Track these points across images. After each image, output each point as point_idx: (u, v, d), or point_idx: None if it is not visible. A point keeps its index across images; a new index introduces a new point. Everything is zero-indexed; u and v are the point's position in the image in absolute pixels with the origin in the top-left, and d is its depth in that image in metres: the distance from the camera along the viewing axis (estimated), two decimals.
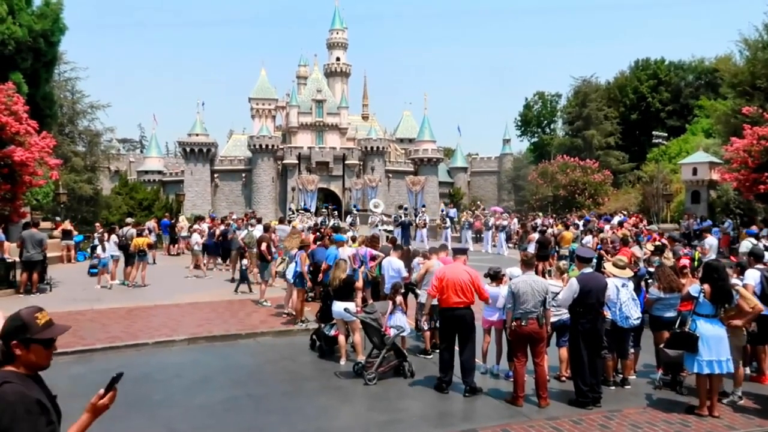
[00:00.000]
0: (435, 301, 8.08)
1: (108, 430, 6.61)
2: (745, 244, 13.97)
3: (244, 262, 15.03)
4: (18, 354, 2.63)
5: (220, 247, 19.46)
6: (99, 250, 16.43)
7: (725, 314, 7.03)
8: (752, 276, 7.91)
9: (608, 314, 7.62)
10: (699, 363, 6.76)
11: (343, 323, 9.10)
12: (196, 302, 13.60)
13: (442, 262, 9.41)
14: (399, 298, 9.01)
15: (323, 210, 35.75)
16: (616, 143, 57.30)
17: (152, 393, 7.77)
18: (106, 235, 17.05)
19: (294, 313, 12.06)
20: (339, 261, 9.73)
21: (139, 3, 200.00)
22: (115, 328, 11.00)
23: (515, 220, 28.54)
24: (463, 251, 8.67)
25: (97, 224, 22.64)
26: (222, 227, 19.87)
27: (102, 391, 2.76)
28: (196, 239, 18.53)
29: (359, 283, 9.59)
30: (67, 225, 22.12)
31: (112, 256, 16.42)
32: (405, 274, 10.68)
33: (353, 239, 14.85)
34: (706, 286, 6.91)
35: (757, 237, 15.34)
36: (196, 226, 19.64)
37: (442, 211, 33.09)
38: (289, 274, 12.01)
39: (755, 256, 8.26)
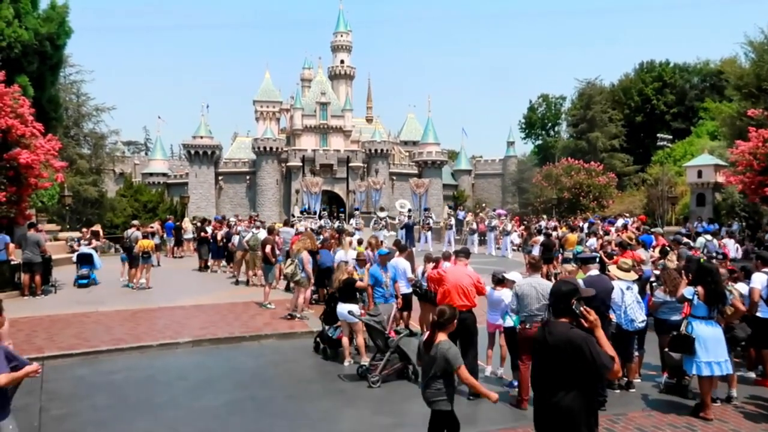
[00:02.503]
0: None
1: (112, 431, 6.65)
2: (700, 241, 15.58)
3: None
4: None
5: (224, 250, 19.54)
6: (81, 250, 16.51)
7: (723, 316, 7.06)
8: (759, 280, 7.87)
9: (613, 317, 7.59)
10: (698, 365, 6.75)
11: (348, 325, 9.10)
12: (200, 305, 13.62)
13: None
14: None
15: (325, 212, 35.84)
16: (620, 146, 57.18)
17: (156, 395, 7.78)
18: (94, 241, 17.22)
19: (300, 315, 12.07)
20: (340, 263, 9.75)
21: (144, 6, 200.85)
22: (120, 330, 11.02)
23: (511, 226, 28.03)
24: (467, 254, 8.67)
25: (85, 229, 22.83)
26: (225, 229, 19.94)
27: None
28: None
29: (361, 283, 9.59)
30: (97, 227, 22.66)
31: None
32: (411, 275, 10.69)
33: (359, 242, 14.88)
34: (699, 288, 6.93)
35: (714, 234, 17.46)
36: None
37: (448, 214, 33.04)
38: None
39: (762, 260, 8.22)
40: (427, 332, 5.29)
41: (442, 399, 4.92)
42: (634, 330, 7.71)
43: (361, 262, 10.80)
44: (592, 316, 3.79)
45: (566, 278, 4.06)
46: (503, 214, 31.83)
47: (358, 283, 9.45)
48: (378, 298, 9.35)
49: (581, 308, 3.82)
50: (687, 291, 7.15)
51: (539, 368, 3.92)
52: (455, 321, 5.13)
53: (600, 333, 3.80)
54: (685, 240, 15.68)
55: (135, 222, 19.55)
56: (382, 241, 14.85)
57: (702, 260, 8.79)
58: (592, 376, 3.71)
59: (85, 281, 16.14)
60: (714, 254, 13.34)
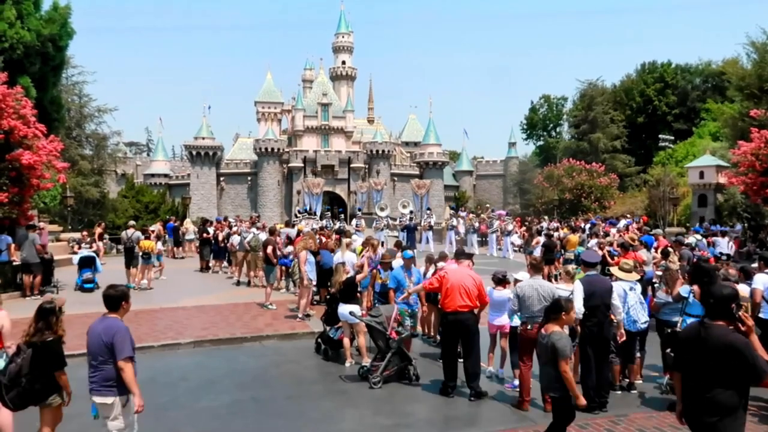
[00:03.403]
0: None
1: None
2: (691, 240, 16.63)
3: None
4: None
5: (225, 250, 19.55)
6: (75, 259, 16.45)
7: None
8: (761, 280, 7.86)
9: (615, 318, 7.57)
10: None
11: (349, 326, 9.10)
12: (201, 305, 13.63)
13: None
14: None
15: (328, 213, 35.85)
16: (622, 146, 57.17)
17: (157, 396, 7.76)
18: (94, 243, 17.23)
19: (301, 316, 12.06)
20: (338, 265, 9.76)
21: (146, 7, 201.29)
22: None
23: (512, 226, 27.94)
24: (468, 255, 8.65)
25: (84, 232, 22.88)
26: (226, 230, 19.96)
27: None
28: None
29: (360, 275, 9.59)
30: (95, 228, 22.92)
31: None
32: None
33: (363, 244, 14.81)
34: (695, 287, 6.93)
35: (707, 235, 18.76)
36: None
37: (450, 215, 33.03)
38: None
39: (765, 261, 8.21)
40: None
41: (554, 386, 5.32)
42: (637, 331, 7.69)
43: (384, 264, 10.42)
44: (750, 321, 3.93)
45: (726, 282, 4.20)
46: (503, 214, 31.84)
47: (358, 277, 9.47)
48: (401, 303, 8.91)
49: (740, 313, 3.93)
50: (683, 289, 7.18)
51: (693, 365, 4.02)
52: (570, 313, 5.50)
53: (754, 338, 3.94)
54: (687, 241, 15.75)
55: (132, 223, 19.54)
56: (382, 242, 14.82)
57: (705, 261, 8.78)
58: (749, 378, 3.87)
59: (90, 285, 15.67)
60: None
